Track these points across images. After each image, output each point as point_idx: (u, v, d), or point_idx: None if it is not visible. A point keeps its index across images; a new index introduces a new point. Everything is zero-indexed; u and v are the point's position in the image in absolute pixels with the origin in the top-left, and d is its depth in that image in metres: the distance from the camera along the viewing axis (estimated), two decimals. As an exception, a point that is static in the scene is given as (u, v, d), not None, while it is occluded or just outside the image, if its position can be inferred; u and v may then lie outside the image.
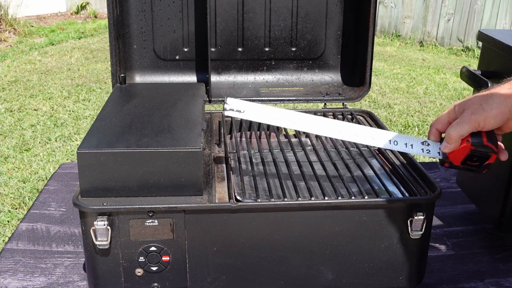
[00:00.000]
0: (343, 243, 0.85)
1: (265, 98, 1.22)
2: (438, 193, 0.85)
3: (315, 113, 1.21)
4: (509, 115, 0.77)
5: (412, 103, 4.18)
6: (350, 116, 1.20)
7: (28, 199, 2.66)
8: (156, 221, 0.80)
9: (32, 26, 6.44)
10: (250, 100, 1.20)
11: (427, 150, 0.84)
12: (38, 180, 2.83)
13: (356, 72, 1.25)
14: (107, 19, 1.13)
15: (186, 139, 0.84)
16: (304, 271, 0.86)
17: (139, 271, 0.83)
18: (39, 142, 3.29)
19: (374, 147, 1.05)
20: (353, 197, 0.83)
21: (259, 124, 1.17)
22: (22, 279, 0.98)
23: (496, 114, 0.77)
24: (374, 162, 1.00)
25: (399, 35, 6.32)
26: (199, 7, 1.19)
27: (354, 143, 1.07)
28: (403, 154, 1.01)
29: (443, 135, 0.83)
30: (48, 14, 7.22)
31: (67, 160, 3.06)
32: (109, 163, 0.79)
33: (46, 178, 2.81)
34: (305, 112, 1.20)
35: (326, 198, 0.83)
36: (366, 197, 0.84)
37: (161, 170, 0.80)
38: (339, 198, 0.83)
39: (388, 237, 0.85)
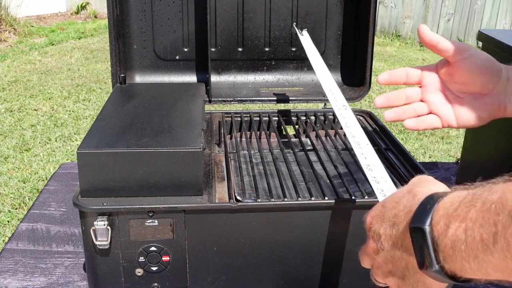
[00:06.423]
0: (343, 243, 0.85)
1: (265, 98, 1.22)
2: (438, 193, 0.85)
3: (315, 113, 1.21)
4: None
5: (412, 103, 4.17)
6: (350, 116, 1.20)
7: (28, 199, 2.66)
8: (156, 221, 0.80)
9: (32, 26, 6.44)
10: (250, 100, 1.21)
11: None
12: (38, 180, 2.83)
13: (356, 72, 1.24)
14: (107, 19, 1.13)
15: (186, 139, 0.84)
16: (304, 271, 0.86)
17: (139, 271, 0.83)
18: (39, 142, 3.29)
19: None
20: (353, 197, 0.83)
21: (259, 124, 1.17)
22: (22, 279, 0.98)
23: None
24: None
25: (399, 35, 6.32)
26: (199, 7, 1.19)
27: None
28: (403, 154, 1.01)
29: None
30: (48, 14, 7.22)
31: (67, 160, 3.06)
32: (109, 163, 0.79)
33: (46, 178, 2.81)
34: (306, 112, 1.20)
35: (326, 198, 0.83)
36: (366, 197, 0.84)
37: (161, 170, 0.80)
38: (339, 198, 0.83)
39: (388, 237, 0.85)
